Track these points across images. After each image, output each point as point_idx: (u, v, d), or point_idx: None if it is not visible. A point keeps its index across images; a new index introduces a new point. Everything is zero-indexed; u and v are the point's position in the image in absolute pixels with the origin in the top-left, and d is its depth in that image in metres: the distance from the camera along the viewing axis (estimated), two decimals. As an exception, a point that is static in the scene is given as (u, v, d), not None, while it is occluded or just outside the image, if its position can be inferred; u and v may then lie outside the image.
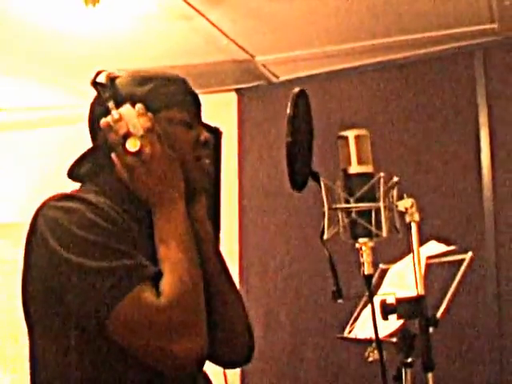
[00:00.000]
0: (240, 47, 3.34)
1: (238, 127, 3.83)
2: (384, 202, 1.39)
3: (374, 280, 2.27)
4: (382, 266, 2.46)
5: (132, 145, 1.25)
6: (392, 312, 1.46)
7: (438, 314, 2.06)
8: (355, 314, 2.40)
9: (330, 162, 1.72)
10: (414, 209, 1.44)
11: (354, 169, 1.41)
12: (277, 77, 3.74)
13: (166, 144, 1.28)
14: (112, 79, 1.33)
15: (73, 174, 1.38)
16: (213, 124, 1.62)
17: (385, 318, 1.46)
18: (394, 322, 1.89)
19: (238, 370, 3.44)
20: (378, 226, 1.39)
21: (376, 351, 2.04)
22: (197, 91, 1.41)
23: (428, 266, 2.17)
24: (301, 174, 1.40)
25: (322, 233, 1.40)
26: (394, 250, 1.97)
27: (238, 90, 3.87)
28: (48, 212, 1.22)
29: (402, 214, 1.44)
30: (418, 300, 1.42)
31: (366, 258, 1.39)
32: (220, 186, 1.81)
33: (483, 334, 3.09)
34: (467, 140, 3.26)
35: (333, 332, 2.72)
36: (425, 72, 3.42)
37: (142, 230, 1.28)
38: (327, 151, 2.04)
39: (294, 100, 1.40)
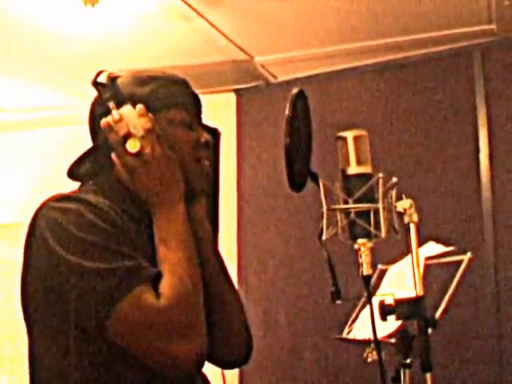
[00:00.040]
0: (239, 48, 3.35)
1: (236, 128, 3.83)
2: (383, 202, 1.39)
3: (373, 281, 2.27)
4: (380, 266, 2.46)
5: (132, 146, 1.25)
6: (391, 313, 1.45)
7: (437, 315, 2.06)
8: (354, 315, 2.40)
9: (328, 162, 1.72)
10: (412, 209, 1.44)
11: (353, 169, 1.41)
12: (275, 77, 3.74)
13: (166, 144, 1.29)
14: (113, 79, 1.33)
15: (73, 173, 1.38)
16: (211, 124, 1.62)
17: (383, 318, 1.46)
18: (392, 323, 1.89)
19: (236, 371, 3.44)
20: (377, 226, 1.38)
21: (375, 352, 2.04)
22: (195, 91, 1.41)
23: (427, 266, 2.17)
24: (299, 174, 1.40)
25: (321, 233, 1.40)
26: (393, 250, 1.97)
27: (236, 91, 3.87)
28: (48, 213, 1.22)
29: (401, 215, 1.44)
30: (416, 301, 1.42)
31: (365, 258, 1.39)
32: (218, 186, 1.81)
33: (482, 334, 3.09)
34: (466, 140, 3.27)
35: (331, 332, 2.72)
36: (423, 72, 3.42)
37: (142, 230, 1.28)
38: (326, 152, 2.04)
39: (292, 100, 1.40)
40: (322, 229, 1.40)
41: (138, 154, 1.25)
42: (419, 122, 3.39)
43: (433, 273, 2.16)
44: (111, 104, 1.28)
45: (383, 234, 1.38)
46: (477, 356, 3.09)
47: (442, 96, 3.35)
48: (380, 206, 1.39)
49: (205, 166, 1.37)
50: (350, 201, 1.39)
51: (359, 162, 1.41)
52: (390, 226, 1.41)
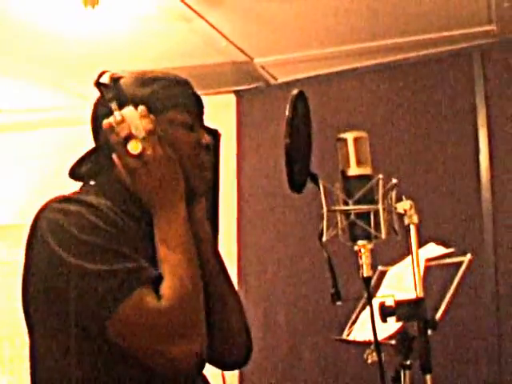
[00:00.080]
0: (239, 49, 3.35)
1: (236, 129, 3.83)
2: (383, 203, 1.39)
3: (373, 282, 2.27)
4: (380, 268, 2.46)
5: (134, 147, 1.25)
6: (391, 314, 1.45)
7: (437, 317, 2.06)
8: (354, 317, 2.40)
9: (328, 163, 1.72)
10: (412, 211, 1.44)
11: (353, 171, 1.41)
12: (275, 78, 3.74)
13: (167, 145, 1.29)
14: (115, 80, 1.33)
15: (74, 173, 1.38)
16: (211, 125, 1.62)
17: (383, 320, 1.46)
18: (392, 325, 1.89)
19: (236, 372, 3.43)
20: (377, 227, 1.38)
21: (375, 353, 2.04)
22: (195, 93, 1.41)
23: (427, 268, 2.17)
24: (299, 175, 1.40)
25: (321, 235, 1.40)
26: (393, 252, 1.97)
27: (236, 92, 3.88)
28: (49, 214, 1.22)
29: (401, 216, 1.44)
30: (416, 302, 1.42)
31: (365, 259, 1.39)
32: (218, 187, 1.81)
33: (482, 334, 3.09)
34: (466, 141, 3.27)
35: (331, 333, 2.72)
36: (423, 73, 3.43)
37: (142, 230, 1.28)
38: (326, 153, 2.04)
39: (292, 101, 1.40)
40: (322, 230, 1.40)
41: (140, 156, 1.25)
42: (419, 123, 3.39)
43: (433, 274, 2.16)
44: (113, 105, 1.28)
45: (383, 236, 1.38)
46: (477, 356, 3.09)
47: (442, 97, 3.35)
48: (380, 207, 1.39)
49: (206, 168, 1.37)
50: (350, 202, 1.39)
51: (359, 163, 1.41)
52: (390, 228, 1.41)
